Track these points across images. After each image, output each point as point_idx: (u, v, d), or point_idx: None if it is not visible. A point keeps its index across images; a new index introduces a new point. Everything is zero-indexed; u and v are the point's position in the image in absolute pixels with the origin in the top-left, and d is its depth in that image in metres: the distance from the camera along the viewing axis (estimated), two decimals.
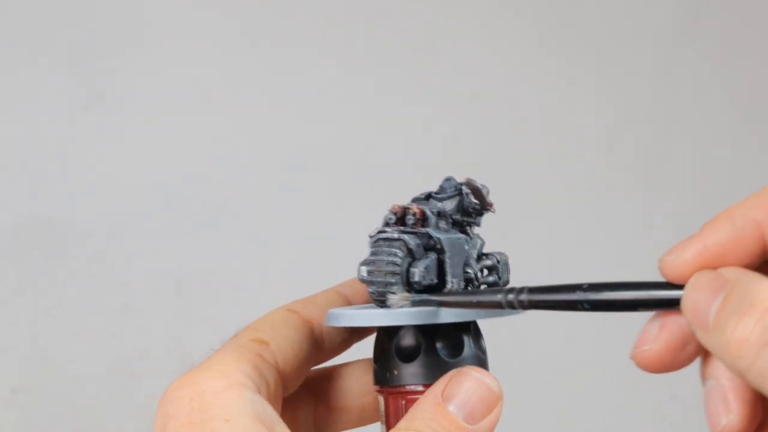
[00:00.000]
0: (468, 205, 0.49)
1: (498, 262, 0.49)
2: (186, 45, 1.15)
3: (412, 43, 1.21)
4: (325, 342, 0.50)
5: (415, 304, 0.46)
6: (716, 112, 1.28)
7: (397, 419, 0.46)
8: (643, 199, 1.25)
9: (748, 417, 0.41)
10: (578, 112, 1.25)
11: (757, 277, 0.40)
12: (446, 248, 0.47)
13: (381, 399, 0.48)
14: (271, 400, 0.45)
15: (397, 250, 0.46)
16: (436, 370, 0.46)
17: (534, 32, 1.24)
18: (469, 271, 0.48)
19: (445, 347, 0.47)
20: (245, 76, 1.16)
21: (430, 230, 0.47)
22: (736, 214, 0.41)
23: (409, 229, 0.47)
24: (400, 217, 0.47)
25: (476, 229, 0.50)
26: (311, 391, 0.51)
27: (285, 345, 0.47)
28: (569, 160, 1.24)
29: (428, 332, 0.47)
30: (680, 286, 0.41)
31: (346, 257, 1.14)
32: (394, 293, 0.46)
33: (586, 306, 0.42)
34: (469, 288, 0.48)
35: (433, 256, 0.47)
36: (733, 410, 0.41)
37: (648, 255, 1.34)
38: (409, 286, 0.46)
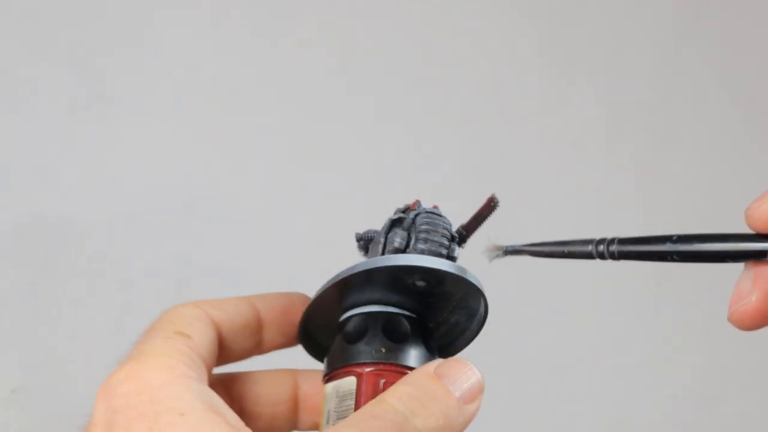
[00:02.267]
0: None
1: None
2: (186, 45, 1.15)
3: (411, 44, 1.21)
4: (230, 346, 0.50)
5: (508, 252, 0.48)
6: (716, 112, 1.28)
7: (382, 388, 0.46)
8: (644, 199, 1.25)
9: None
10: (578, 112, 1.25)
11: None
12: None
13: (335, 388, 0.48)
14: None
15: (447, 222, 0.50)
16: (421, 357, 0.49)
17: (534, 33, 1.24)
18: None
19: (431, 339, 0.50)
20: (245, 76, 1.16)
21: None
22: None
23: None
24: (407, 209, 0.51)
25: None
26: (228, 393, 0.51)
27: (204, 340, 0.47)
28: (569, 161, 1.24)
29: (416, 322, 0.49)
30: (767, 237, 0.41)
31: (345, 257, 1.14)
32: (447, 247, 0.49)
33: (675, 257, 0.42)
34: None
35: None
36: None
37: None
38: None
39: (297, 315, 0.52)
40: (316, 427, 0.52)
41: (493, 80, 1.23)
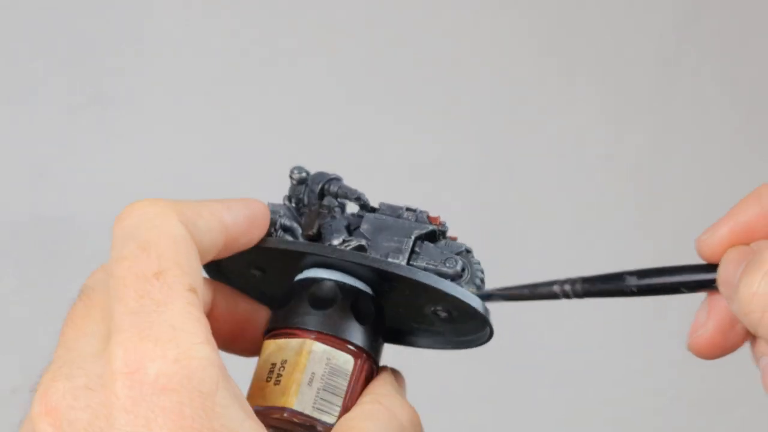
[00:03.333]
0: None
1: None
2: (186, 45, 1.15)
3: (409, 43, 1.21)
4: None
5: (482, 298, 0.48)
6: (717, 115, 1.28)
7: (366, 382, 0.47)
8: (644, 203, 1.25)
9: None
10: (578, 114, 1.25)
11: None
12: None
13: (326, 354, 0.46)
14: None
15: None
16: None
17: (534, 33, 1.24)
18: None
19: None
20: (245, 76, 1.16)
21: None
22: (764, 192, 0.43)
23: None
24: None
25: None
26: None
27: (204, 288, 0.43)
28: (568, 163, 1.24)
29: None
30: (717, 267, 0.43)
31: None
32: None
33: (633, 291, 0.45)
34: None
35: None
36: None
37: (648, 259, 1.34)
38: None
39: (258, 229, 0.49)
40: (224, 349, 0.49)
41: (492, 81, 1.23)
